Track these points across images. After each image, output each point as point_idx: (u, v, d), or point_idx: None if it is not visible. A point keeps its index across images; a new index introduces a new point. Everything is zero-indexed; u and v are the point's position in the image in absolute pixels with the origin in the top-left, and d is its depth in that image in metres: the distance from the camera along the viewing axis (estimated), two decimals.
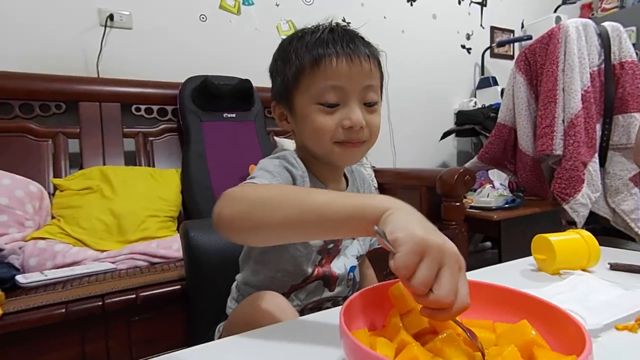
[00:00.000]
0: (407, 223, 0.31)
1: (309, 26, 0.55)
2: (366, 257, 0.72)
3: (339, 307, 0.47)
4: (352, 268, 0.63)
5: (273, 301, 0.49)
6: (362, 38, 0.54)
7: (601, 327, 0.39)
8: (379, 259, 0.62)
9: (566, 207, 1.56)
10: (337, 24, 0.55)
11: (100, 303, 0.82)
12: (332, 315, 0.45)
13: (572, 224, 1.57)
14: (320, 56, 0.51)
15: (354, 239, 0.63)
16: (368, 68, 0.52)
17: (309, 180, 0.55)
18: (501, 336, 0.32)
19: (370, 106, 0.54)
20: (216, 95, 1.43)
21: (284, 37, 0.58)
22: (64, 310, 0.78)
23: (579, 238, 0.58)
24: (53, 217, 1.12)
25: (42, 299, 0.79)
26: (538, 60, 1.67)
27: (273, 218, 0.38)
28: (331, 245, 0.59)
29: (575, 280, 0.51)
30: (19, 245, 0.99)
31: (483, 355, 0.29)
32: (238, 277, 0.63)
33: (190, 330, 0.91)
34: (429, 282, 0.29)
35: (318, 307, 0.60)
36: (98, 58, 1.40)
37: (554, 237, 0.58)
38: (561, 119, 1.57)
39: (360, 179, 0.68)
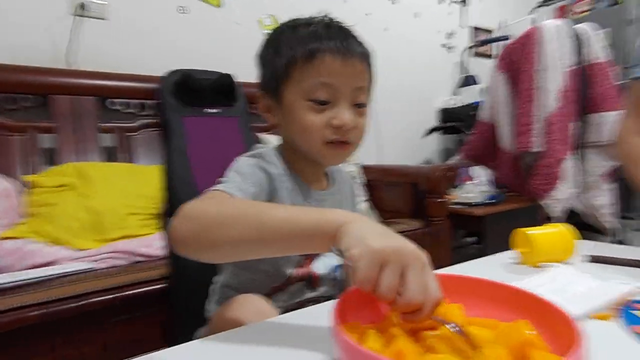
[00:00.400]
0: (361, 235, 0.31)
1: (301, 17, 0.53)
2: None
3: (323, 304, 0.47)
4: (337, 267, 0.62)
5: (253, 304, 0.48)
6: (356, 37, 0.53)
7: (577, 316, 0.40)
8: None
9: (543, 203, 1.61)
10: (332, 19, 0.53)
11: (76, 304, 0.79)
12: (315, 313, 0.45)
13: (550, 219, 1.63)
14: (314, 51, 0.49)
15: None
16: (361, 69, 0.51)
17: (287, 179, 0.54)
18: (499, 336, 0.31)
19: (359, 107, 0.53)
20: (197, 90, 1.39)
21: (267, 31, 0.56)
22: (39, 312, 0.75)
23: (556, 231, 0.60)
24: (25, 216, 1.06)
25: (16, 300, 0.75)
26: (516, 60, 1.72)
27: (228, 236, 0.38)
28: None
29: (555, 273, 0.53)
30: None
31: (474, 349, 0.29)
32: (217, 279, 0.62)
33: (172, 330, 0.89)
34: (394, 288, 0.29)
35: (300, 307, 0.59)
36: (68, 49, 1.33)
37: (532, 231, 0.60)
38: (538, 117, 1.62)
39: (342, 178, 0.67)
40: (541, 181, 1.61)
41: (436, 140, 2.44)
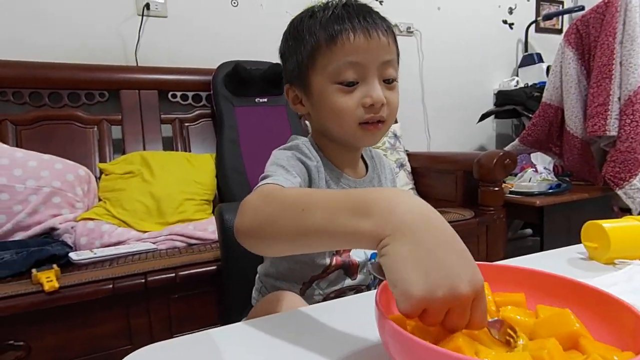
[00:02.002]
0: (404, 270, 0.26)
1: (318, 4, 0.53)
2: None
3: (363, 294, 0.46)
4: (374, 255, 0.61)
5: (289, 300, 0.49)
6: (377, 12, 0.52)
7: None
8: None
9: (620, 192, 1.44)
10: None
11: (143, 280, 0.87)
12: (357, 301, 0.44)
13: (625, 211, 1.45)
14: (337, 32, 0.49)
15: None
16: (386, 42, 0.50)
17: (323, 170, 0.55)
18: (541, 325, 0.30)
19: (389, 83, 0.52)
20: (248, 80, 1.43)
21: None
22: (111, 286, 0.84)
23: (638, 225, 0.53)
24: (100, 200, 1.19)
25: (92, 274, 0.86)
26: (591, 33, 1.52)
27: (277, 235, 0.37)
28: None
29: (633, 271, 0.47)
30: (71, 225, 1.07)
31: (513, 343, 0.28)
32: (259, 268, 0.64)
33: (224, 309, 0.95)
34: (436, 323, 0.27)
35: (340, 296, 0.59)
36: (136, 47, 1.45)
37: (607, 224, 0.53)
38: (617, 96, 1.43)
39: (380, 164, 0.66)
40: (619, 168, 1.43)
41: (491, 126, 2.27)
